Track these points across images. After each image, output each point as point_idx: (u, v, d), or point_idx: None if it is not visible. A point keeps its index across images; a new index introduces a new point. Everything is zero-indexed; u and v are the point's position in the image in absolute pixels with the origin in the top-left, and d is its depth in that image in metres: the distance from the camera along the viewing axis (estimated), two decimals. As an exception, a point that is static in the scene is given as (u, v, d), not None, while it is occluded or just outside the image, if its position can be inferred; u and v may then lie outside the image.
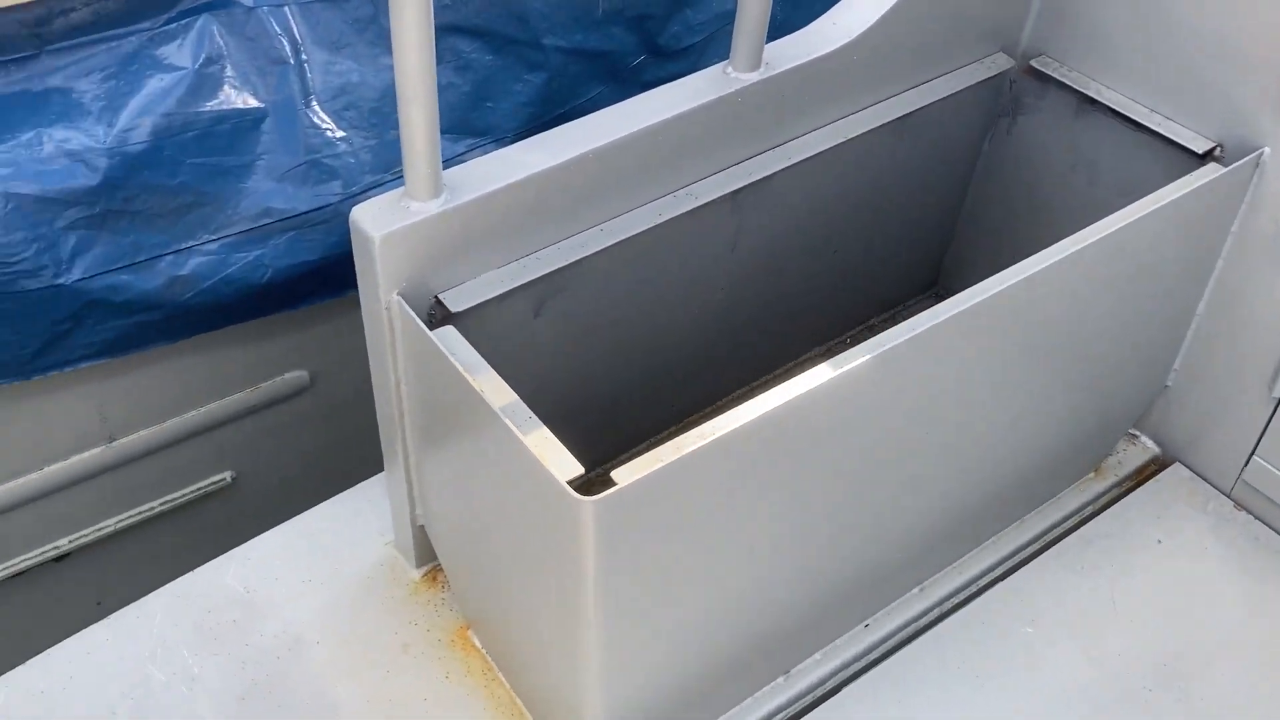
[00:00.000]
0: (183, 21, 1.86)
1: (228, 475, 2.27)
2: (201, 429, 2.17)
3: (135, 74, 1.82)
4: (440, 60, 1.15)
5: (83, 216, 1.79)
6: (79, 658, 1.49)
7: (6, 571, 2.08)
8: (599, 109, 2.15)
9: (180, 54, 1.85)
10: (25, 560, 2.10)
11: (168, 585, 1.58)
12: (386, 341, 1.33)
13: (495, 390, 1.19)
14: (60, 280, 1.79)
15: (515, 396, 1.19)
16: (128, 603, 1.58)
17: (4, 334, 1.80)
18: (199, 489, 2.25)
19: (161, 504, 2.21)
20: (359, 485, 1.69)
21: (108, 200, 1.80)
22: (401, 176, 1.98)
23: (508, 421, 1.15)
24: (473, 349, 1.25)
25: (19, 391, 1.91)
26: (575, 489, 1.09)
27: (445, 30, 1.98)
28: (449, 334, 1.27)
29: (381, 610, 1.56)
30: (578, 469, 1.11)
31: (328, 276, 2.02)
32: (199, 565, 1.63)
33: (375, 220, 1.24)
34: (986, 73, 1.75)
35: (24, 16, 1.75)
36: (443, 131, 1.27)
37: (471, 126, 2.04)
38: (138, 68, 1.83)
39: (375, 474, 1.70)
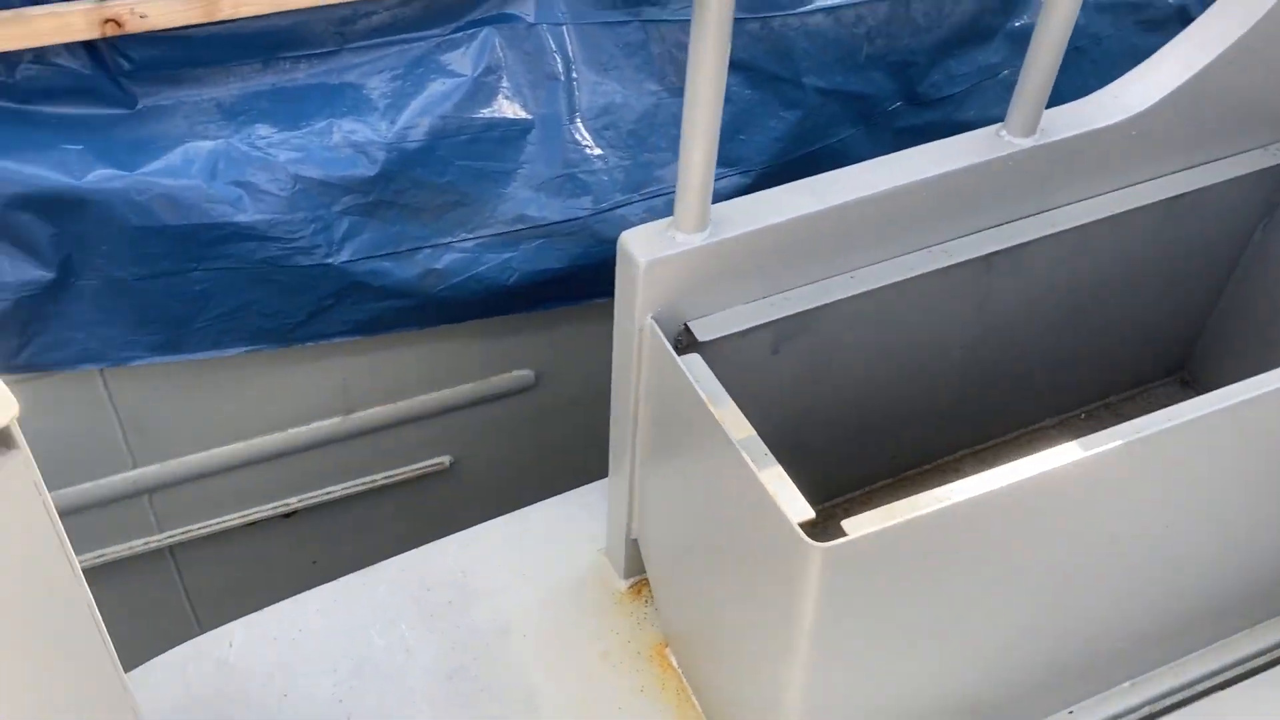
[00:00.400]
0: (469, 31, 1.97)
1: (446, 459, 2.38)
2: (429, 413, 2.28)
3: (420, 76, 1.94)
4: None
5: (356, 204, 1.92)
6: (310, 613, 1.60)
7: (242, 520, 2.25)
8: (848, 150, 2.18)
9: (463, 62, 1.96)
10: (260, 512, 2.26)
11: (393, 559, 1.68)
12: (634, 360, 1.38)
13: (734, 422, 1.22)
14: (330, 260, 1.93)
15: (753, 431, 1.21)
16: (340, 564, 1.68)
17: (276, 304, 1.95)
18: (418, 469, 2.37)
19: (383, 478, 2.34)
20: (578, 490, 1.75)
21: (381, 191, 1.92)
22: (649, 198, 2.06)
23: (745, 455, 1.17)
24: (716, 379, 1.28)
25: (278, 358, 2.07)
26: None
27: (711, 62, 2.03)
28: (695, 362, 1.31)
29: (586, 614, 1.62)
30: (809, 512, 1.13)
31: (568, 285, 2.10)
32: (408, 539, 1.71)
33: (643, 247, 1.29)
34: (1267, 161, 1.67)
35: (331, 15, 1.89)
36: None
37: (723, 157, 2.05)
38: (423, 71, 1.95)
39: (586, 480, 1.76)
